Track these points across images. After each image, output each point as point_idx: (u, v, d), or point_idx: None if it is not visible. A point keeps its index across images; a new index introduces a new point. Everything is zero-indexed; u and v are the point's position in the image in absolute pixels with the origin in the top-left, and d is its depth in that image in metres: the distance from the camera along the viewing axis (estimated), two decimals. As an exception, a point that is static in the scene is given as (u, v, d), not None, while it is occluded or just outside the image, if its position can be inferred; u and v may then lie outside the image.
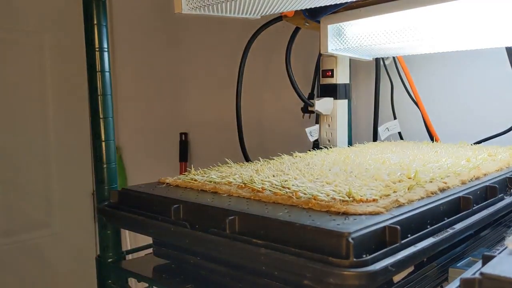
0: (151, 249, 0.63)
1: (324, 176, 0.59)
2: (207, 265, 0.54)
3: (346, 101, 1.03)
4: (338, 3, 0.67)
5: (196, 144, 1.69)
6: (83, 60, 0.71)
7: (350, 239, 0.37)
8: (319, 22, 0.87)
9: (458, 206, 0.52)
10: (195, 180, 0.62)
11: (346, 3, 0.71)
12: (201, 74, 1.64)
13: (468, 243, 0.57)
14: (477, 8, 0.70)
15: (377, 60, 1.07)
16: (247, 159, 1.12)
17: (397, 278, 0.45)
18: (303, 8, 0.72)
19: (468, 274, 0.33)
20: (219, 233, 0.46)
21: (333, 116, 1.02)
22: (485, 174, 0.62)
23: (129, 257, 0.73)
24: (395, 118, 1.07)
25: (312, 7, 0.72)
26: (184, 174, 0.66)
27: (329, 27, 0.86)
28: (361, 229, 0.39)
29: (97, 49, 0.69)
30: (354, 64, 1.08)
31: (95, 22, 0.69)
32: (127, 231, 1.49)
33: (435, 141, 0.98)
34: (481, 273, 0.31)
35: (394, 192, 0.50)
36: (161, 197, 0.56)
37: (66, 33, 1.79)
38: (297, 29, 1.02)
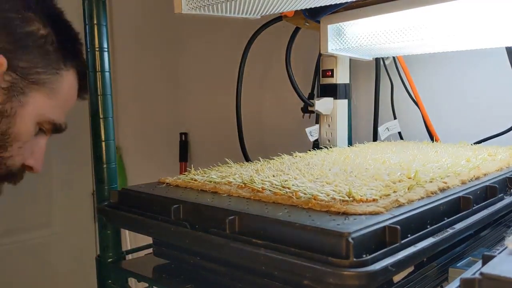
0: (151, 249, 0.63)
1: (324, 176, 0.59)
2: (207, 265, 0.54)
3: (346, 101, 1.03)
4: (338, 3, 0.67)
5: (196, 144, 1.69)
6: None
7: (350, 239, 0.37)
8: (319, 22, 0.87)
9: (458, 206, 0.52)
10: (195, 180, 0.62)
11: (346, 3, 0.71)
12: (201, 74, 1.64)
13: (468, 243, 0.57)
14: (477, 8, 0.69)
15: (377, 60, 1.07)
16: (247, 159, 1.12)
17: (397, 278, 0.45)
18: (303, 8, 0.72)
19: (468, 274, 0.33)
20: (219, 233, 0.46)
21: (333, 116, 1.02)
22: (485, 174, 0.62)
23: (129, 257, 0.73)
24: (395, 118, 1.07)
25: (312, 7, 0.72)
26: (184, 174, 0.66)
27: (329, 27, 0.86)
28: (361, 229, 0.39)
29: (97, 49, 0.69)
30: (354, 64, 1.08)
31: (95, 22, 0.69)
32: (127, 231, 1.49)
33: (435, 141, 0.98)
34: (481, 273, 0.31)
35: (394, 192, 0.50)
36: (161, 197, 0.56)
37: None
38: (297, 29, 1.02)
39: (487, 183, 0.58)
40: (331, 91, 1.01)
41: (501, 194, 0.59)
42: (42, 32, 0.71)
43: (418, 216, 0.45)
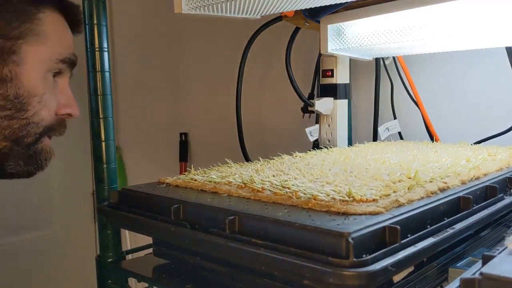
0: (151, 249, 0.63)
1: (324, 176, 0.59)
2: (207, 265, 0.54)
3: (346, 101, 1.03)
4: (338, 3, 0.67)
5: (196, 144, 1.69)
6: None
7: (350, 239, 0.37)
8: (319, 22, 0.87)
9: (458, 206, 0.52)
10: (195, 180, 0.62)
11: (346, 3, 0.71)
12: (201, 74, 1.64)
13: (468, 243, 0.57)
14: (477, 8, 0.70)
15: (377, 60, 1.07)
16: (247, 159, 1.12)
17: (397, 278, 0.45)
18: (303, 8, 0.72)
19: (468, 274, 0.33)
20: (219, 233, 0.46)
21: (333, 116, 1.01)
22: (485, 174, 0.62)
23: (129, 257, 0.73)
24: (395, 118, 1.07)
25: (312, 7, 0.72)
26: (184, 174, 0.66)
27: (329, 27, 0.86)
28: (361, 229, 0.39)
29: (97, 49, 0.69)
30: (354, 64, 1.08)
31: (95, 22, 0.69)
32: (127, 231, 1.49)
33: (435, 141, 0.98)
34: (481, 273, 0.31)
35: (394, 192, 0.50)
36: (161, 197, 0.56)
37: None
38: (297, 29, 1.02)
39: (487, 183, 0.58)
40: (331, 91, 1.01)
41: (501, 194, 0.59)
42: None
43: (418, 216, 0.45)
